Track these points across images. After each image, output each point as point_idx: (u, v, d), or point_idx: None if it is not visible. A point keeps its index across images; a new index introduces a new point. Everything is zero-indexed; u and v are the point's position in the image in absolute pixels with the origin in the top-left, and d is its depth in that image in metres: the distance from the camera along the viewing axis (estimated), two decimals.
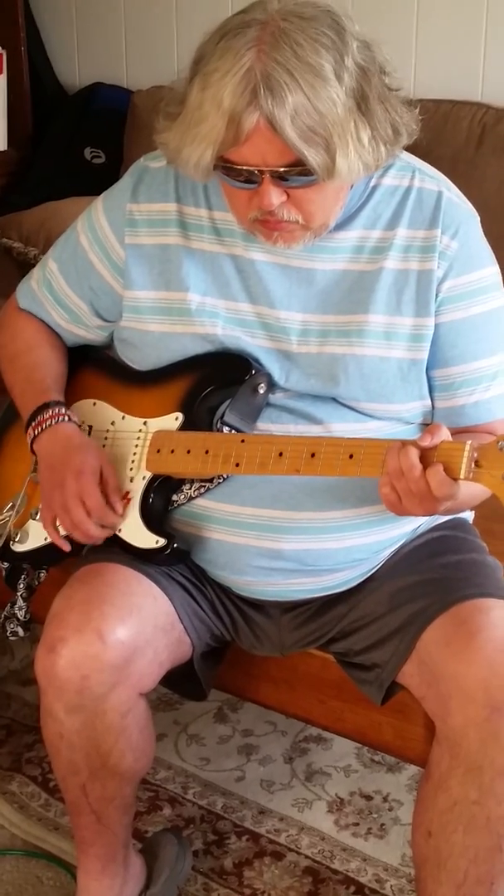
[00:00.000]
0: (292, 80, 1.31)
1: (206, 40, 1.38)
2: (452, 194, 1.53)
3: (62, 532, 1.58)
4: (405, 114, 1.43)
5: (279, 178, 1.37)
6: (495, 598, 1.48)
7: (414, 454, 1.34)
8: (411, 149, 1.52)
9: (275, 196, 1.38)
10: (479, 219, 1.56)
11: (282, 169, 1.35)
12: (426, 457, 1.34)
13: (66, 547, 1.58)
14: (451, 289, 1.50)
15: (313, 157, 1.34)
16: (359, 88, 1.36)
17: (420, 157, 1.58)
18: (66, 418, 1.60)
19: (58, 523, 1.57)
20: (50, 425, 1.59)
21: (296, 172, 1.36)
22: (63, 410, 1.61)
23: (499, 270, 1.55)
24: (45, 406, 1.60)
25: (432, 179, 1.53)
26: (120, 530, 1.55)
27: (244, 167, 1.36)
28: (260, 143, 1.34)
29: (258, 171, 1.36)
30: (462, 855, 1.45)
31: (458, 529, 1.65)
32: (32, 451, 1.62)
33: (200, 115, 1.35)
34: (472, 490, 1.38)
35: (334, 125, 1.33)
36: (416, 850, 1.53)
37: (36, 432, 1.60)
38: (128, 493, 1.57)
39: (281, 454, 1.45)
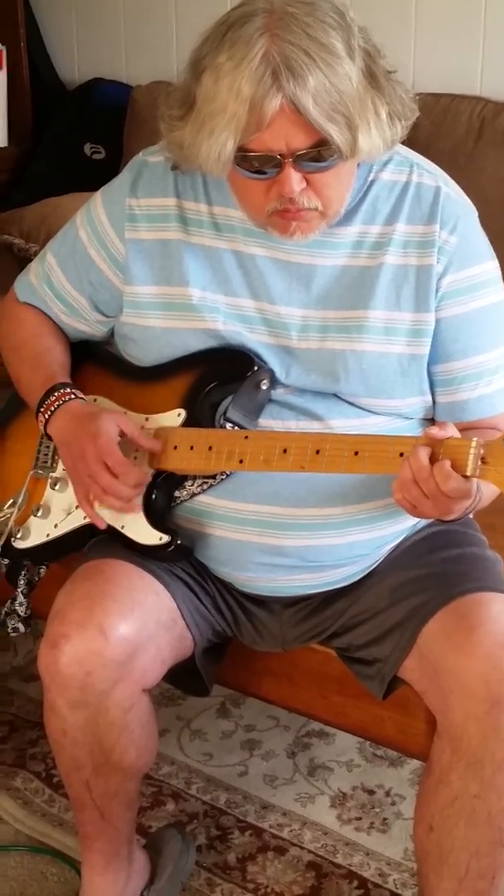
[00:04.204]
0: (310, 60, 1.31)
1: (206, 38, 1.38)
2: (451, 189, 1.53)
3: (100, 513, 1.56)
4: (405, 93, 1.44)
5: (299, 163, 1.37)
6: (495, 591, 1.48)
7: (424, 455, 1.34)
8: (410, 142, 1.52)
9: (296, 182, 1.38)
10: (477, 214, 1.56)
11: (304, 151, 1.35)
12: (433, 454, 1.34)
13: (103, 524, 1.56)
14: (450, 284, 1.50)
15: (337, 135, 1.34)
16: (367, 67, 1.37)
17: (419, 150, 1.58)
18: (74, 396, 1.60)
19: (91, 498, 1.55)
20: (59, 406, 1.59)
21: (317, 155, 1.36)
22: (69, 390, 1.60)
23: (498, 265, 1.56)
24: (52, 389, 1.60)
25: (430, 174, 1.53)
26: (123, 526, 1.56)
27: (266, 154, 1.36)
28: (283, 126, 1.33)
29: (279, 155, 1.36)
30: (463, 849, 1.46)
31: (459, 524, 1.64)
32: (48, 437, 1.62)
33: (217, 107, 1.35)
34: (486, 491, 1.39)
35: (353, 102, 1.34)
36: (418, 845, 1.53)
37: (46, 416, 1.59)
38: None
39: (285, 451, 1.45)
